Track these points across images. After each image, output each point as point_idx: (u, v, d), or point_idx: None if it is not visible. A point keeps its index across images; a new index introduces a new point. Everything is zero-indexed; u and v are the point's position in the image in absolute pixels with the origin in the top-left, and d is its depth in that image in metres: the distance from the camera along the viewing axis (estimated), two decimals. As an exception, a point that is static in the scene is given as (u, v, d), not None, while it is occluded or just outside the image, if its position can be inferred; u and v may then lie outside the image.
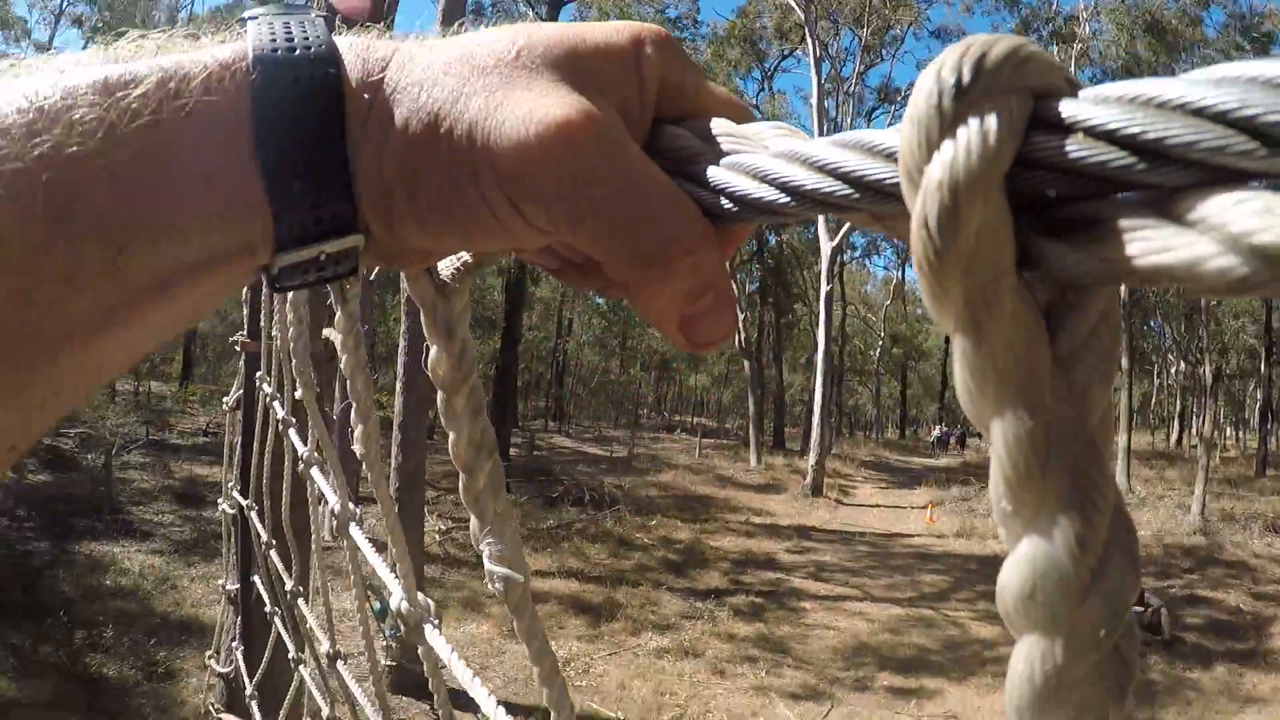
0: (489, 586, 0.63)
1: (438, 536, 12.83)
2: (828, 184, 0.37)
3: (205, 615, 8.96)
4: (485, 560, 0.62)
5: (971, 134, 0.25)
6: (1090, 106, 0.26)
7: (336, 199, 0.43)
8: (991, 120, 0.26)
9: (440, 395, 0.61)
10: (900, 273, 49.93)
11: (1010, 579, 0.25)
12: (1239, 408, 48.43)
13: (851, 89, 34.18)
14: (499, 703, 0.86)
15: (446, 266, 0.59)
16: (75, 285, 0.38)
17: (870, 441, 47.49)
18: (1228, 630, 13.77)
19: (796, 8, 27.90)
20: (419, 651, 0.92)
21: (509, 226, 0.44)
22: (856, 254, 45.77)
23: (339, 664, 1.58)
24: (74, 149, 0.38)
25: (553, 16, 26.39)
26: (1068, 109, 0.27)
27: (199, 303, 0.45)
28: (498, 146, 0.42)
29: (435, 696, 0.87)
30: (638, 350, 43.61)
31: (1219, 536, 19.76)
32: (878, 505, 24.04)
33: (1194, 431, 45.50)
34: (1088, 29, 30.83)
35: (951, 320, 0.26)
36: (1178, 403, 50.31)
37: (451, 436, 0.61)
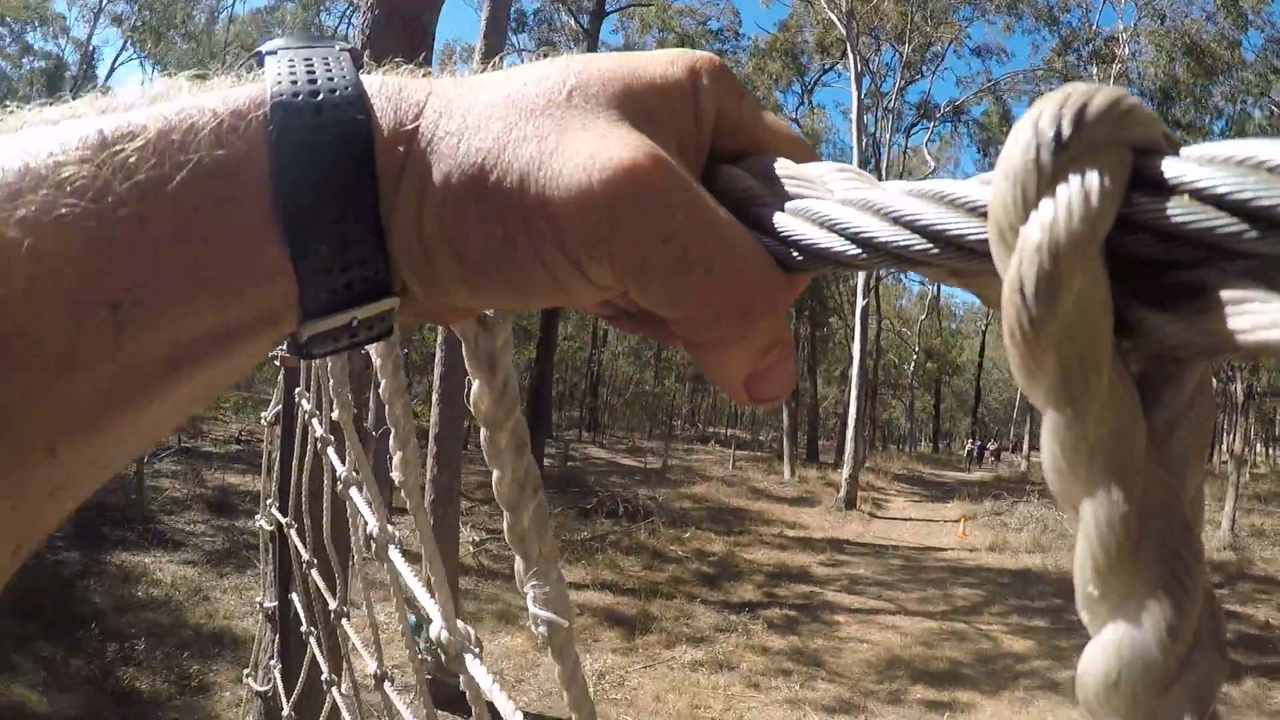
0: (533, 630, 0.61)
1: (472, 548, 12.86)
2: (904, 237, 0.34)
3: (238, 627, 9.00)
4: (530, 604, 0.60)
5: (1073, 193, 0.24)
6: (1196, 167, 0.24)
7: (369, 262, 0.38)
8: (1094, 178, 0.24)
9: (483, 431, 0.59)
10: (936, 289, 49.63)
11: (1093, 665, 0.23)
12: (1269, 425, 48.03)
13: (891, 104, 34.11)
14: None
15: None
16: (67, 370, 0.33)
17: (903, 455, 47.18)
18: (1257, 644, 13.54)
19: (838, 23, 27.92)
20: (461, 680, 0.90)
21: (569, 286, 0.39)
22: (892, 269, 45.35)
23: (386, 684, 1.57)
24: (62, 212, 0.33)
25: (595, 28, 26.44)
26: (1171, 168, 0.25)
27: (218, 378, 0.40)
28: (555, 197, 0.37)
29: None
30: (672, 361, 43.55)
31: (1249, 552, 19.55)
32: (910, 518, 23.86)
33: (1224, 448, 45.02)
34: (1127, 50, 30.64)
35: (1044, 393, 0.25)
36: None
37: (495, 474, 0.59)
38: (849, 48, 27.48)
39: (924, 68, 35.18)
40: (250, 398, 20.62)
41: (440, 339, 7.92)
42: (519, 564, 0.60)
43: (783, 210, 0.40)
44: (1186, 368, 0.26)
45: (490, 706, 0.88)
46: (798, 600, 13.98)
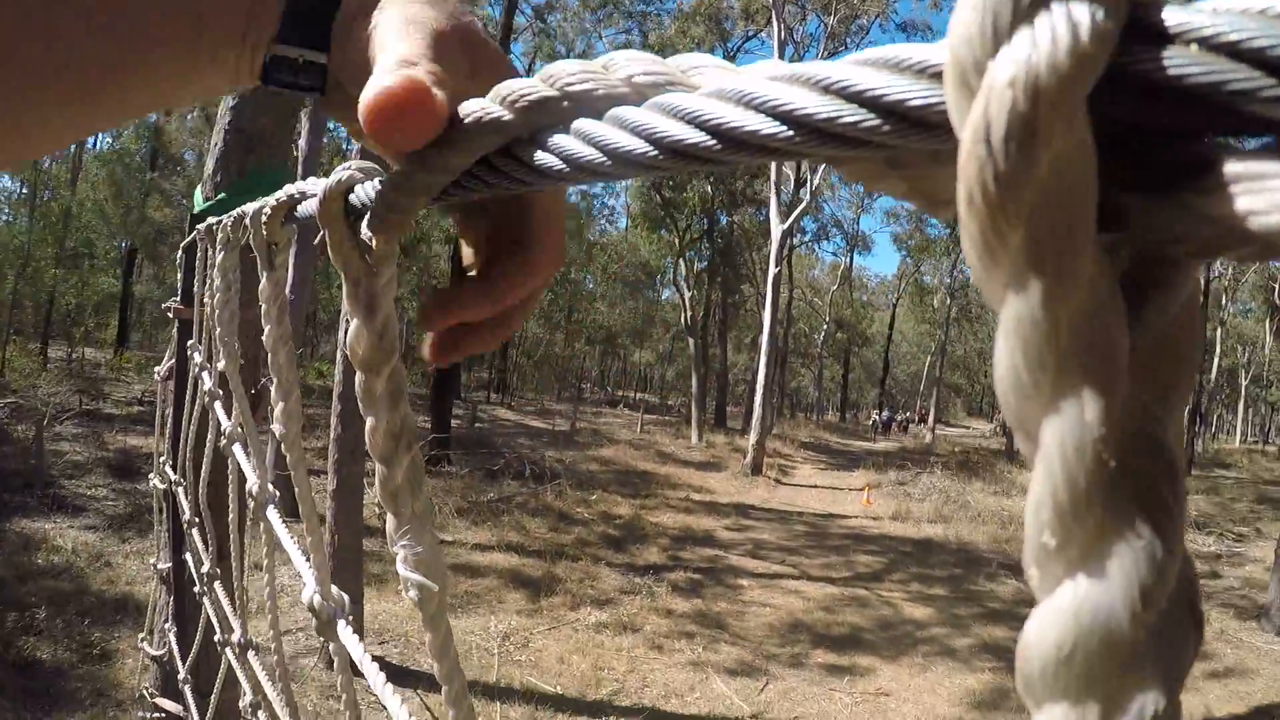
0: (404, 594, 0.55)
1: (378, 509, 12.67)
2: (831, 108, 0.27)
3: (140, 593, 8.72)
4: (400, 566, 0.55)
5: (1057, 22, 0.18)
6: (1205, 16, 0.19)
7: (323, 18, 0.55)
8: (1083, 9, 0.18)
9: (359, 376, 0.55)
10: (849, 259, 50.36)
11: (1041, 634, 0.18)
12: None
13: (812, 75, 34.05)
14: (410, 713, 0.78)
15: (371, 229, 0.52)
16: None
17: (811, 423, 47.92)
18: None
19: (766, -10, 27.80)
20: (330, 648, 0.85)
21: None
22: (806, 238, 45.91)
23: (250, 654, 1.49)
24: None
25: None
26: (1174, 15, 0.19)
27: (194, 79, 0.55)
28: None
29: (344, 696, 0.81)
30: (583, 324, 43.52)
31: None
32: (816, 486, 24.23)
33: None
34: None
35: (1003, 276, 0.20)
36: None
37: (369, 423, 0.56)
38: (774, 15, 27.42)
39: (848, 40, 35.33)
40: (153, 358, 20.00)
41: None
42: (390, 522, 0.57)
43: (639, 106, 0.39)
44: (1180, 271, 0.21)
45: (379, 673, 0.82)
46: (702, 564, 14.09)
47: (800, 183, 29.26)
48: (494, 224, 0.58)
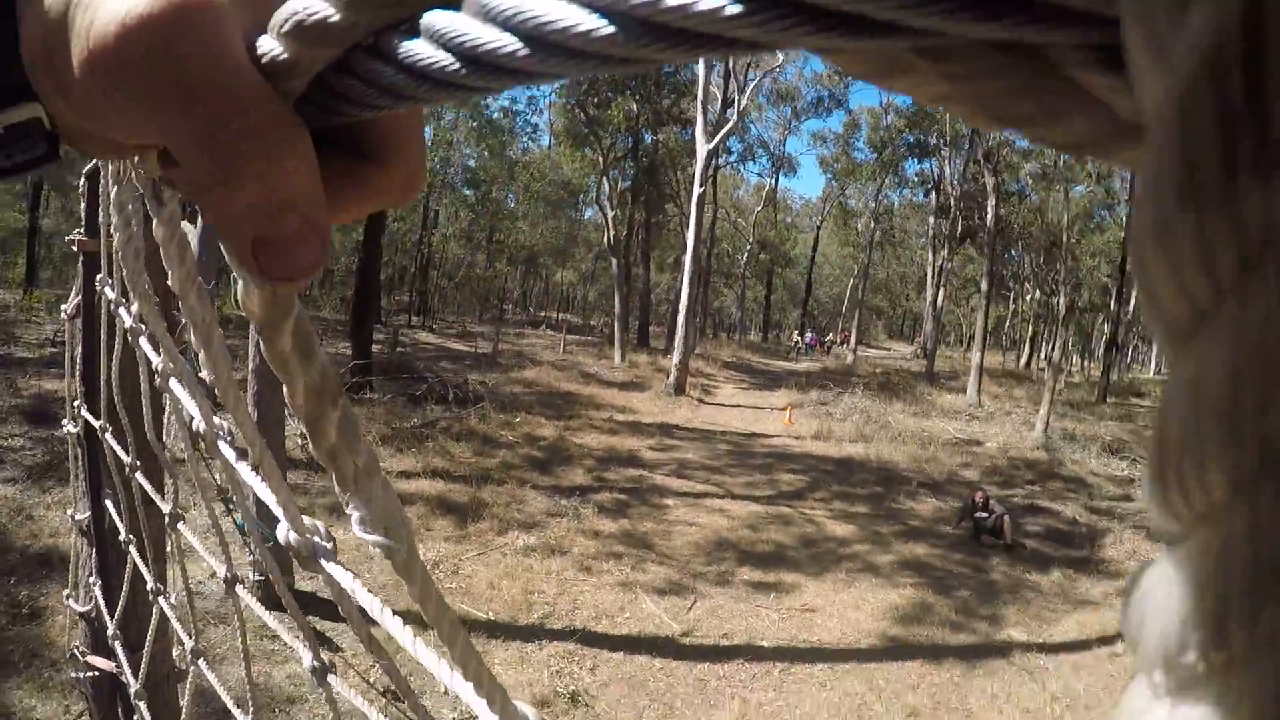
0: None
1: (300, 440, 12.41)
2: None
3: (65, 544, 8.41)
4: (356, 528, 0.53)
5: None
6: None
7: (4, 62, 0.37)
8: None
9: (261, 337, 0.48)
10: (774, 181, 50.25)
11: (1169, 590, 0.15)
12: (1087, 338, 51.55)
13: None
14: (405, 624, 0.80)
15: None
16: None
17: (733, 343, 48.28)
18: (1064, 539, 14.59)
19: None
20: (321, 579, 0.80)
21: (106, 116, 0.37)
22: (731, 159, 45.67)
23: (238, 587, 1.42)
24: None
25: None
26: None
27: None
28: (95, 30, 0.35)
29: (350, 621, 0.79)
30: (505, 244, 43.01)
31: (1060, 453, 20.94)
32: (739, 405, 24.47)
33: (1043, 356, 48.28)
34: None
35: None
36: (1030, 328, 53.17)
37: (286, 386, 0.50)
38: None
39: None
40: (65, 295, 19.17)
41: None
42: (336, 482, 0.54)
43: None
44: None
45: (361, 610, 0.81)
46: (628, 484, 14.16)
47: (727, 103, 29.00)
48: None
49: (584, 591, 9.80)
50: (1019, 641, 10.36)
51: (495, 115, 40.09)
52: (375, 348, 20.27)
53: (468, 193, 42.51)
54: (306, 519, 0.80)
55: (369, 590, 0.82)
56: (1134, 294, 44.79)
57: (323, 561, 0.81)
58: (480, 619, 8.72)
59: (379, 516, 0.53)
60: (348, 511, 0.53)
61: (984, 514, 13.71)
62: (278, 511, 0.81)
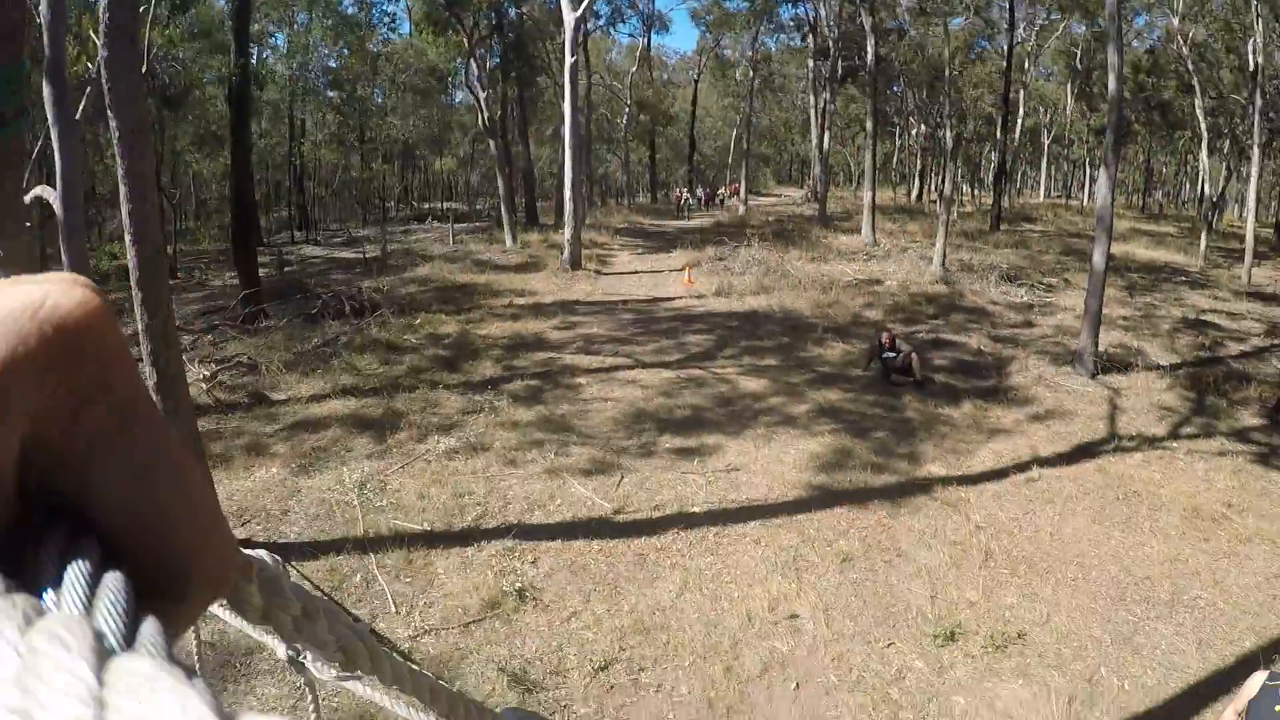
0: None
1: (205, 385, 12.05)
2: None
3: None
4: (315, 671, 0.57)
5: None
6: None
7: None
8: None
9: None
10: (646, 40, 49.25)
11: None
12: (975, 169, 52.32)
13: None
14: None
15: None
16: None
17: (623, 209, 47.90)
18: (971, 370, 15.10)
19: None
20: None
21: None
22: (600, 23, 44.43)
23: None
24: None
25: None
26: None
27: None
28: None
29: None
30: (377, 141, 41.66)
31: (959, 285, 21.49)
32: (637, 272, 24.46)
33: (933, 189, 48.97)
34: None
35: None
36: (918, 162, 53.73)
37: None
38: None
39: None
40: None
41: (122, 171, 6.90)
42: (280, 637, 0.55)
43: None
44: None
45: None
46: (538, 369, 14.14)
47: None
48: None
49: (512, 485, 9.86)
50: (939, 476, 10.77)
51: (350, 9, 38.32)
52: (262, 271, 19.65)
53: (332, 95, 40.80)
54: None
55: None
56: (1019, 122, 45.68)
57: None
58: (417, 531, 8.72)
59: (333, 650, 0.51)
60: (300, 660, 0.55)
61: (892, 353, 14.04)
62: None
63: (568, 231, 24.12)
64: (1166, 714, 6.96)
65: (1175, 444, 12.13)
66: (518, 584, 7.98)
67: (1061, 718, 6.86)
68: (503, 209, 30.04)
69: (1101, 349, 15.35)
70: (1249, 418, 13.24)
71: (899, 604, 8.19)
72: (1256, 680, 5.29)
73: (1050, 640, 7.80)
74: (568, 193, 24.21)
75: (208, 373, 12.43)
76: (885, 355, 14.07)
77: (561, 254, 24.35)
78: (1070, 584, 8.73)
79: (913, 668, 7.36)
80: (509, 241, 28.37)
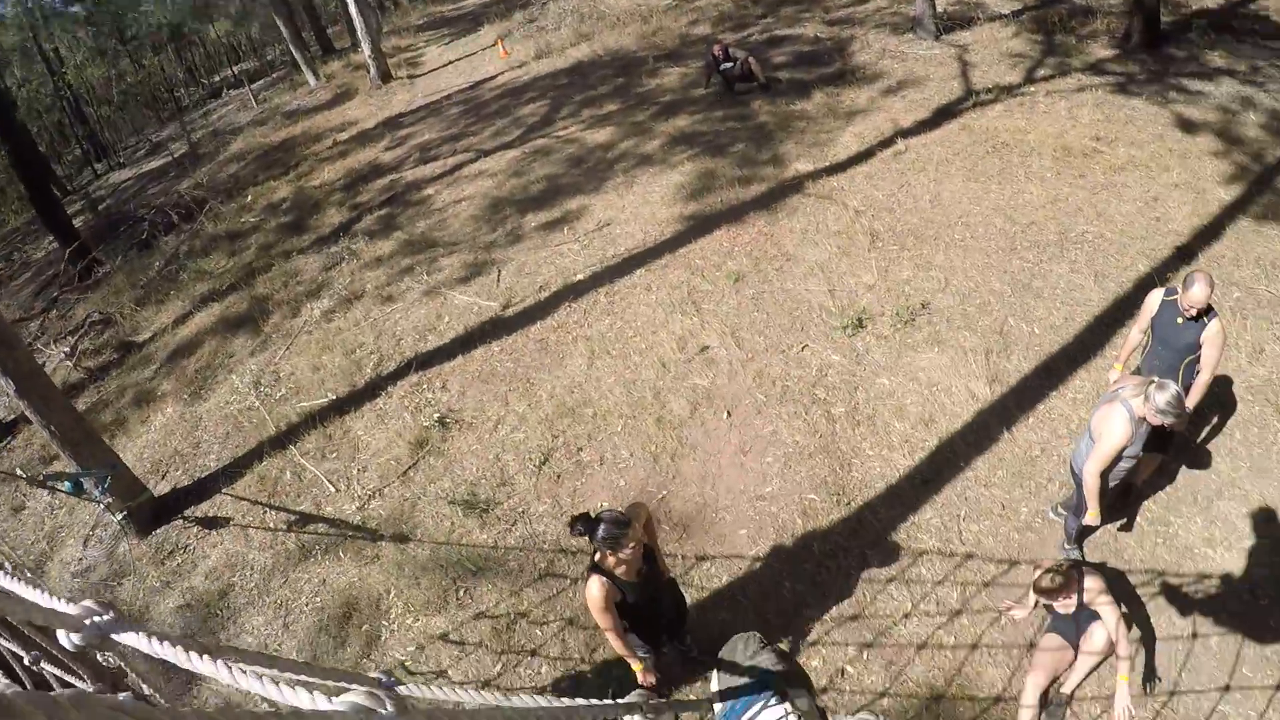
0: None
1: (69, 363, 11.39)
2: None
3: None
4: None
5: None
6: None
7: None
8: None
9: None
10: None
11: None
12: None
13: None
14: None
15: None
16: None
17: (417, 2, 45.26)
18: (814, 59, 14.83)
19: None
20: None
21: None
22: None
23: None
24: None
25: None
26: None
27: None
28: None
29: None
30: (140, 35, 38.52)
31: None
32: (450, 62, 23.34)
33: None
34: None
35: None
36: None
37: None
38: None
39: None
40: None
41: None
42: None
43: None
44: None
45: None
46: (383, 197, 13.66)
47: None
48: None
49: (398, 321, 9.70)
50: (807, 172, 10.75)
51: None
52: (78, 221, 18.41)
53: (74, 9, 37.20)
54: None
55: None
56: None
57: (114, 637, 0.85)
58: (325, 404, 8.60)
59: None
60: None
61: (729, 63, 13.72)
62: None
63: (366, 48, 22.76)
64: (1078, 347, 7.30)
65: (1033, 88, 12.19)
66: (435, 415, 7.97)
67: (982, 372, 7.13)
68: (293, 50, 28.19)
69: (940, 9, 15.15)
70: (1100, 50, 13.25)
71: (800, 307, 8.33)
72: (1155, 297, 5.56)
73: (954, 303, 8.01)
74: (353, 9, 22.63)
75: (67, 349, 11.79)
76: (723, 67, 13.75)
77: (369, 73, 23.07)
78: (960, 245, 8.90)
79: (831, 363, 7.56)
80: (312, 81, 26.77)
